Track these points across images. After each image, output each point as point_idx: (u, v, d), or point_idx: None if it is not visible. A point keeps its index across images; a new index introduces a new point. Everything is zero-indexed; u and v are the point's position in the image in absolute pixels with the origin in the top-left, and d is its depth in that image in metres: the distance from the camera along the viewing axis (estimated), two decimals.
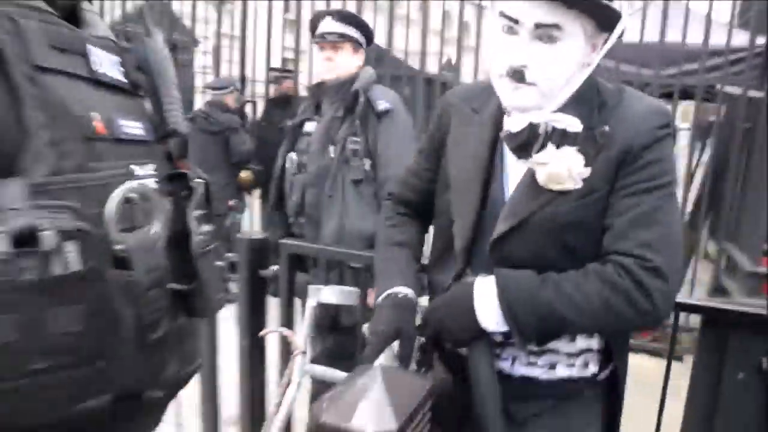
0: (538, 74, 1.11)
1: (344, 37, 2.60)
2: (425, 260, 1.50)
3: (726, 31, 4.35)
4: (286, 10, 6.45)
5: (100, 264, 0.72)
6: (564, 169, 1.12)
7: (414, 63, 5.64)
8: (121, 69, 0.86)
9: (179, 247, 0.86)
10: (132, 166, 0.82)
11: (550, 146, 1.13)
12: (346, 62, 2.63)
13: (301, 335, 1.81)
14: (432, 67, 5.86)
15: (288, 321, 1.82)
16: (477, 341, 1.18)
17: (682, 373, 1.70)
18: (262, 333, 1.88)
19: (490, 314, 1.14)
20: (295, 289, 1.96)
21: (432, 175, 1.38)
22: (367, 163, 2.54)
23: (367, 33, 2.71)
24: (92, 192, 0.75)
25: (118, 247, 0.76)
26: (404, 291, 1.31)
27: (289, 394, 1.80)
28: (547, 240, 1.16)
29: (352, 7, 4.23)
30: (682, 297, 1.84)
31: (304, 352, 1.80)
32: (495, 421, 1.16)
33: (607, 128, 1.13)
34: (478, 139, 1.24)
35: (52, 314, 0.68)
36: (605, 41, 1.13)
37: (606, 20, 1.10)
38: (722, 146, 5.08)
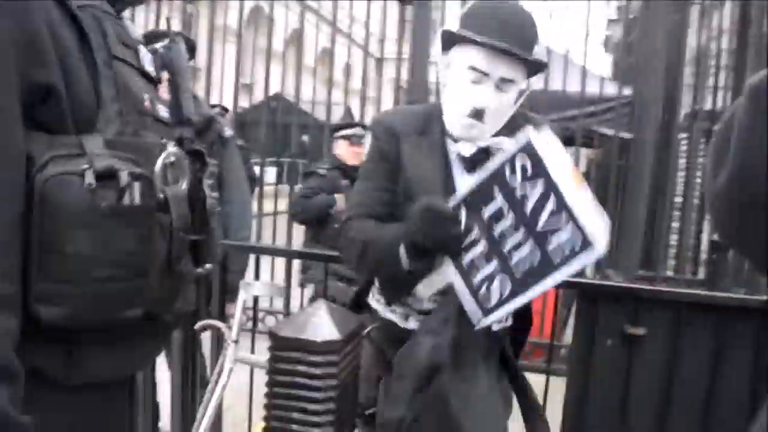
0: (492, 116, 1.43)
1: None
2: None
3: (599, 81, 4.98)
4: None
5: (151, 203, 0.92)
6: None
7: (318, 113, 5.93)
8: (152, 65, 1.07)
9: (193, 208, 1.07)
10: (163, 140, 1.02)
11: None
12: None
13: (234, 327, 1.99)
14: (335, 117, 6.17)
15: (221, 315, 1.98)
16: None
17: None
18: (197, 326, 2.04)
19: None
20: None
21: (394, 188, 1.57)
22: None
23: None
24: (142, 153, 0.95)
25: (160, 195, 0.96)
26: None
27: (222, 380, 1.96)
28: None
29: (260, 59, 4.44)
30: None
31: (236, 341, 1.97)
32: None
33: None
34: (430, 159, 1.53)
35: (117, 235, 0.87)
36: (527, 84, 1.50)
37: (535, 69, 1.46)
38: (600, 181, 5.68)
